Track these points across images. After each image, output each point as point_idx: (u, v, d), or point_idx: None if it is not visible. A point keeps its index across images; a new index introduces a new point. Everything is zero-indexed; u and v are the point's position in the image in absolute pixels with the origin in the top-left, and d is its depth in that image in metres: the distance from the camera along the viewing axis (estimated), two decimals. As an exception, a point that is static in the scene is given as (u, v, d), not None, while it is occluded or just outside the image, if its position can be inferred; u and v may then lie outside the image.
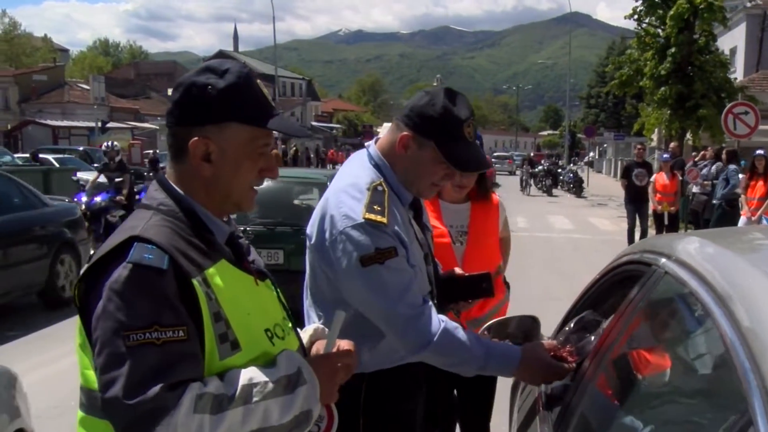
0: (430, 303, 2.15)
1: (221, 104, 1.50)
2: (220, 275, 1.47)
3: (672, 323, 1.91)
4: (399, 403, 2.23)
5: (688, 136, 18.86)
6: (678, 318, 1.84)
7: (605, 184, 38.21)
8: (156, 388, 1.29)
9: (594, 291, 2.65)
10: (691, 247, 1.87)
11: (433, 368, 2.24)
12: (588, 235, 16.50)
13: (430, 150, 2.16)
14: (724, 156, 13.62)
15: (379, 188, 2.14)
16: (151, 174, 16.05)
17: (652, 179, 13.37)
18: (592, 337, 2.21)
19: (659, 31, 20.15)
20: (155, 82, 62.33)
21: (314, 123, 67.26)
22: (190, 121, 1.52)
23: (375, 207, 2.08)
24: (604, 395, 2.02)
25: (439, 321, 2.10)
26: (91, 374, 1.41)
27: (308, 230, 2.23)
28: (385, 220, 2.07)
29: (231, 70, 1.54)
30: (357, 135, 67.88)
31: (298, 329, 1.76)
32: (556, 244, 14.80)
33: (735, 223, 12.58)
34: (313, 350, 1.73)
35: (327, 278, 2.16)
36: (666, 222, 13.20)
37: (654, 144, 24.34)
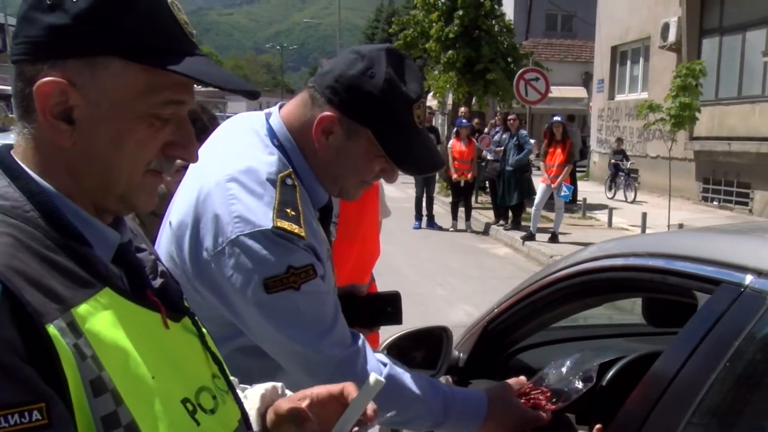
0: (363, 338, 1.68)
1: (95, 23, 0.88)
2: (100, 315, 0.87)
3: None
4: None
5: (474, 100, 19.23)
6: None
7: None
8: None
9: (540, 298, 2.14)
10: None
11: None
12: (374, 202, 15.94)
13: (363, 140, 1.63)
14: (511, 122, 13.55)
15: (288, 181, 1.61)
16: None
17: (449, 145, 13.27)
18: (579, 383, 1.75)
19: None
20: None
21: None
22: (43, 52, 0.89)
23: (288, 211, 1.56)
24: None
25: (380, 364, 1.65)
26: None
27: (172, 233, 1.64)
28: (303, 232, 1.55)
29: None
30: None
31: (240, 390, 1.22)
32: (345, 213, 14.01)
33: (528, 190, 12.85)
34: (269, 416, 1.21)
35: (206, 304, 1.59)
36: (462, 186, 13.60)
37: (435, 108, 24.65)
